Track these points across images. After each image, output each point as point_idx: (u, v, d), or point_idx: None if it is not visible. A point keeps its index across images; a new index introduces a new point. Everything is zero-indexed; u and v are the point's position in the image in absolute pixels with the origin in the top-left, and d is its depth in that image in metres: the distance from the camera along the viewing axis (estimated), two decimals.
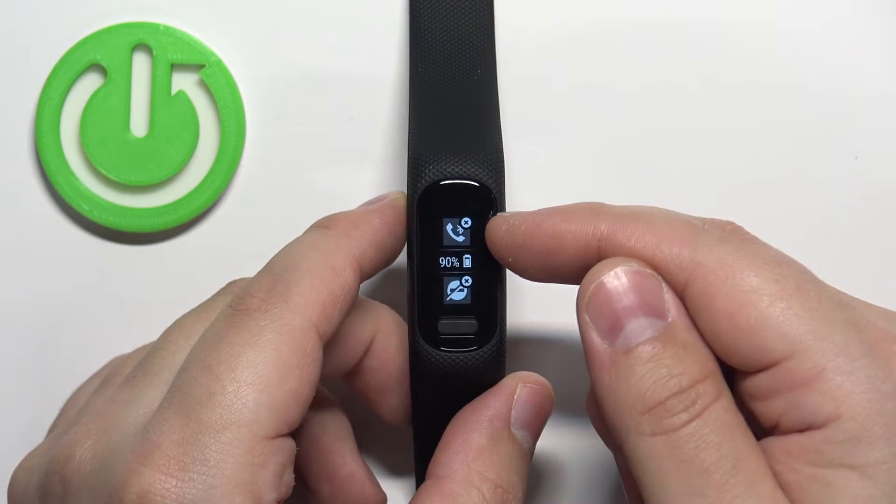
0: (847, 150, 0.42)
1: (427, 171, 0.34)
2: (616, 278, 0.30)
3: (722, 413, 0.29)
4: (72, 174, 0.41)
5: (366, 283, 0.41)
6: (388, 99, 0.42)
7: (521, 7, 0.42)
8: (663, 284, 0.30)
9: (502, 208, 0.34)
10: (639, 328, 0.30)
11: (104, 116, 0.41)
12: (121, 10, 0.42)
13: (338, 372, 0.36)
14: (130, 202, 0.42)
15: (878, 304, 0.32)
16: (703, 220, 0.31)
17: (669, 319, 0.30)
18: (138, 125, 0.42)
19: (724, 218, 0.32)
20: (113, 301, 0.42)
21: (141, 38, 0.41)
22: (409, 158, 0.35)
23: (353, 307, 0.35)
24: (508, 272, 0.34)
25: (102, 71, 0.41)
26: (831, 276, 0.41)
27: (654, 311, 0.30)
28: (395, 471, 0.42)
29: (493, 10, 0.40)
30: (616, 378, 0.30)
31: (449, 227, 0.34)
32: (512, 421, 0.34)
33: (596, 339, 0.30)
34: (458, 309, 0.34)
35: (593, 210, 0.31)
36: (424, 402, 0.36)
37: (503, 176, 0.34)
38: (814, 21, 0.42)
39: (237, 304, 0.32)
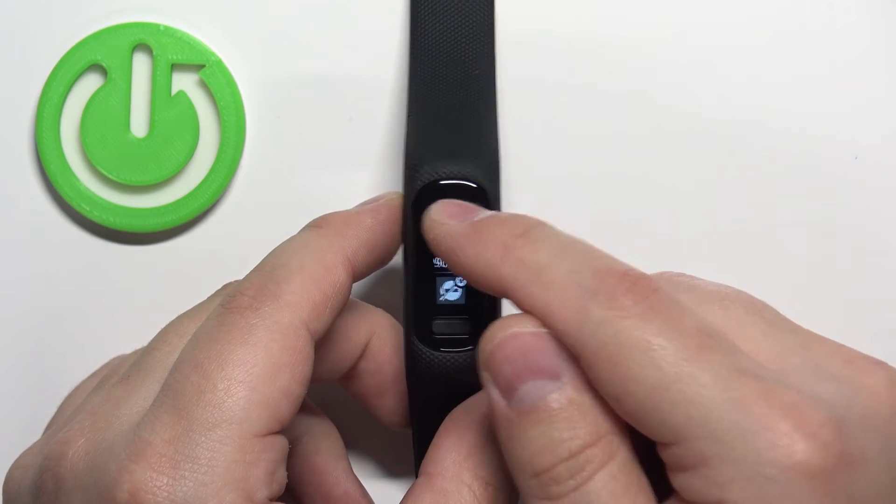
0: (847, 150, 0.41)
1: (422, 171, 0.34)
2: (511, 340, 0.29)
3: (609, 480, 0.28)
4: (72, 174, 0.41)
5: (362, 285, 0.41)
6: (388, 99, 0.42)
7: (520, 7, 0.42)
8: (556, 346, 0.29)
9: (497, 208, 0.34)
10: (532, 390, 0.29)
11: (104, 116, 0.41)
12: (121, 10, 0.42)
13: (334, 375, 0.36)
14: (130, 202, 0.42)
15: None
16: (609, 275, 0.29)
17: (563, 381, 0.29)
18: (138, 125, 0.42)
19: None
20: (113, 301, 0.42)
21: (141, 38, 0.41)
22: (404, 158, 0.35)
23: (347, 309, 0.35)
24: None
25: (102, 71, 0.41)
26: (831, 276, 0.42)
27: (548, 373, 0.29)
28: (395, 471, 0.42)
29: (494, 9, 0.40)
30: (510, 437, 0.30)
31: None
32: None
33: (494, 396, 0.30)
34: (452, 309, 0.34)
35: (506, 247, 0.30)
36: (421, 403, 0.36)
37: (499, 176, 0.34)
38: (814, 21, 0.42)
39: (228, 302, 0.32)
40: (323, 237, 0.34)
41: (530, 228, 0.31)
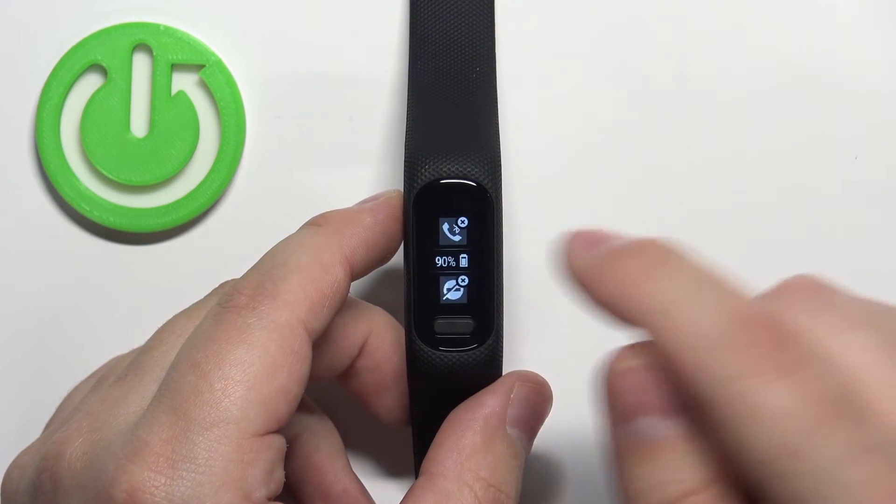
0: (847, 150, 0.41)
1: (423, 170, 0.34)
2: (627, 374, 0.29)
3: None
4: (72, 174, 0.41)
5: (362, 284, 0.41)
6: (388, 99, 0.42)
7: (521, 5, 0.41)
8: (672, 389, 0.28)
9: (499, 208, 0.34)
10: (646, 426, 0.28)
11: (104, 116, 0.41)
12: (121, 10, 0.42)
13: (332, 373, 0.36)
14: (130, 202, 0.42)
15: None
16: (745, 322, 0.27)
17: (677, 423, 0.28)
18: (138, 125, 0.42)
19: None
20: (112, 301, 0.42)
21: (141, 38, 0.41)
22: (405, 157, 0.35)
23: (345, 307, 0.35)
24: (506, 271, 0.34)
25: (102, 71, 0.41)
26: (831, 276, 0.41)
27: (665, 412, 0.28)
28: (394, 471, 0.42)
29: (494, 8, 0.40)
30: (622, 468, 0.29)
31: (445, 226, 0.34)
32: (508, 420, 0.34)
33: (611, 424, 0.29)
34: (454, 308, 0.34)
35: (640, 280, 0.29)
36: (422, 402, 0.36)
37: (500, 175, 0.34)
38: (814, 21, 0.42)
39: (225, 301, 0.32)
40: (321, 235, 0.34)
41: (668, 258, 0.29)
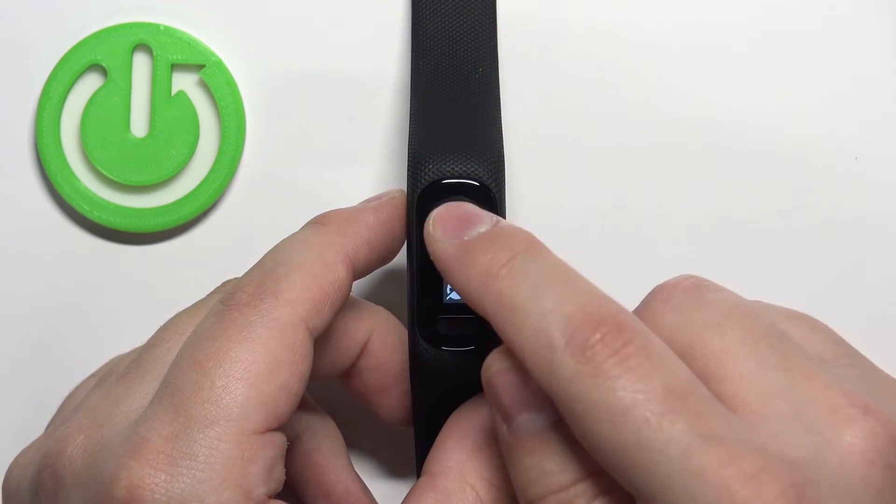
0: (847, 151, 0.41)
1: (427, 170, 0.34)
2: (499, 375, 0.30)
3: None
4: (72, 174, 0.41)
5: (364, 283, 0.41)
6: (388, 99, 0.42)
7: (523, 5, 0.41)
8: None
9: (502, 207, 0.34)
10: (527, 421, 0.29)
11: (104, 116, 0.41)
12: (121, 10, 0.42)
13: (333, 372, 0.36)
14: (130, 202, 0.42)
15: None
16: (583, 322, 0.28)
17: (553, 416, 0.29)
18: (138, 125, 0.42)
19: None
20: (113, 301, 0.42)
21: (141, 38, 0.41)
22: (408, 157, 0.34)
23: (347, 307, 0.35)
24: None
25: (102, 71, 0.41)
26: (831, 276, 0.41)
27: (539, 408, 0.29)
28: (396, 470, 0.42)
29: (496, 8, 0.40)
30: (509, 461, 0.30)
31: None
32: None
33: (496, 420, 0.30)
34: (457, 308, 0.34)
35: (488, 277, 0.30)
36: (425, 402, 0.36)
37: (503, 175, 0.34)
38: (814, 20, 0.42)
39: (227, 299, 0.32)
40: (323, 234, 0.34)
41: (515, 257, 0.30)
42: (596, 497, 0.29)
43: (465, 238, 0.31)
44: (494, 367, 0.30)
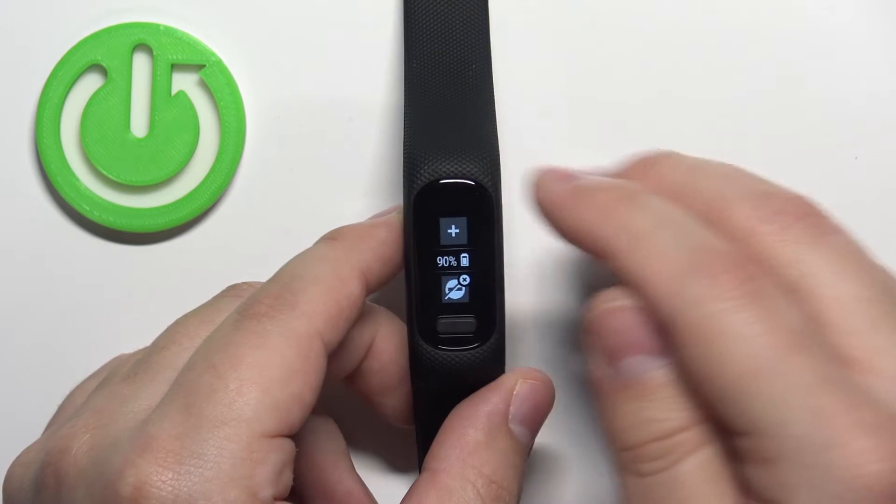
0: (847, 151, 0.42)
1: (422, 170, 0.34)
2: (622, 311, 0.30)
3: (696, 467, 0.29)
4: (72, 174, 0.41)
5: None
6: (389, 99, 0.42)
7: (516, 2, 0.42)
8: (659, 329, 0.29)
9: (499, 206, 0.34)
10: (636, 364, 0.29)
11: (104, 116, 0.41)
12: (121, 10, 0.42)
13: (338, 375, 0.37)
14: (130, 202, 0.42)
15: None
16: (712, 253, 0.29)
17: (666, 361, 0.29)
18: (138, 125, 0.42)
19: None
20: (113, 301, 0.42)
21: (141, 38, 0.41)
22: (404, 158, 0.35)
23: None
24: (506, 271, 0.34)
25: (102, 71, 0.41)
26: None
27: (654, 351, 0.29)
28: (397, 468, 0.42)
29: (488, 6, 0.40)
30: (607, 407, 0.30)
31: (446, 226, 0.34)
32: (510, 417, 0.34)
33: (597, 363, 0.30)
34: (456, 308, 0.34)
35: (607, 210, 0.30)
36: (425, 402, 0.36)
37: (499, 174, 0.34)
38: (814, 20, 0.42)
39: (245, 310, 0.32)
40: (339, 250, 0.34)
41: (633, 195, 0.31)
42: (697, 448, 0.29)
43: (579, 182, 0.32)
44: (606, 305, 0.30)
